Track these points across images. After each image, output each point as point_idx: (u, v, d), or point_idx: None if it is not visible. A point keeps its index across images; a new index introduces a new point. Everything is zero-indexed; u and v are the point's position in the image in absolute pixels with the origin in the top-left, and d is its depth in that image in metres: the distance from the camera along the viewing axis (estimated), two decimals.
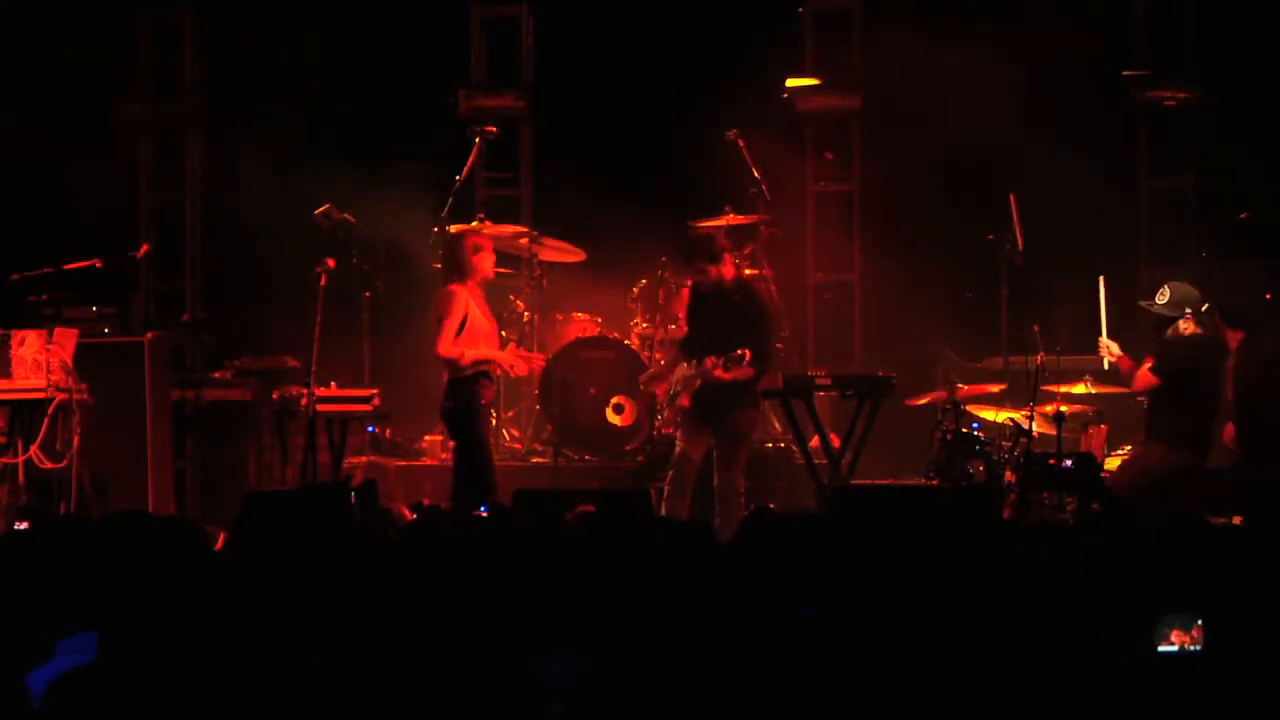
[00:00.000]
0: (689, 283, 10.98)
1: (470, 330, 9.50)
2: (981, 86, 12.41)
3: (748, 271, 11.57)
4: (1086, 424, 10.57)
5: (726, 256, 10.08)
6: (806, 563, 5.05)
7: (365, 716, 4.16)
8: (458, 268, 9.61)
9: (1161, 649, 4.64)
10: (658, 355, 11.49)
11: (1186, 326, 10.05)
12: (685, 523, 8.52)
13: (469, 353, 9.48)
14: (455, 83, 13.33)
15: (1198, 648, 4.63)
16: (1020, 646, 4.66)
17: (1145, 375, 10.07)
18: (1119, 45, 12.98)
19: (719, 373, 9.76)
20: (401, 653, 4.26)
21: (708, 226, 11.69)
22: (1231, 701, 4.57)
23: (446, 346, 9.49)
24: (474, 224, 12.01)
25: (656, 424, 11.19)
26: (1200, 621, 4.65)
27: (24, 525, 6.32)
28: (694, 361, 10.01)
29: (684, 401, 10.04)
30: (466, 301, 9.51)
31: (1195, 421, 9.96)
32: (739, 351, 9.64)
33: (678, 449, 10.08)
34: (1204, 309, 10.10)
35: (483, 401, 9.64)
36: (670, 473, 10.02)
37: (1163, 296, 10.10)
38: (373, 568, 4.85)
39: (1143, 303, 10.22)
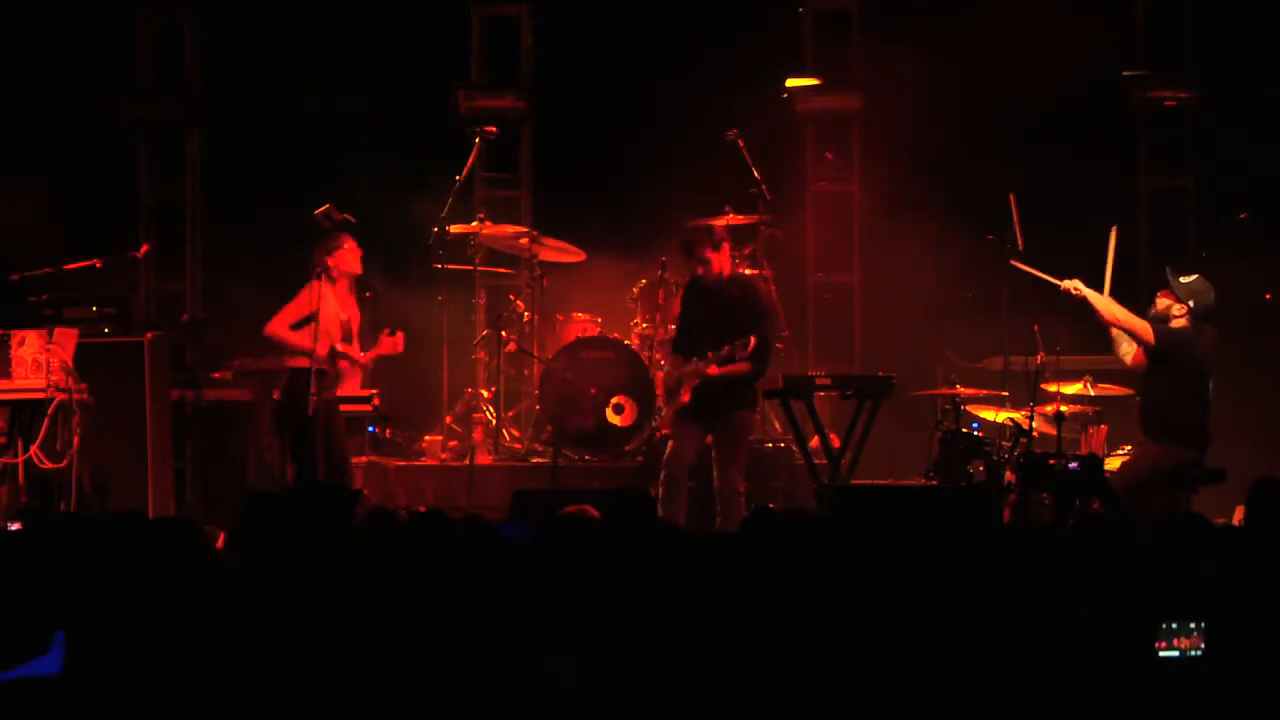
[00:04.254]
0: (685, 283, 10.96)
1: (320, 327, 9.82)
2: (981, 86, 12.42)
3: (748, 271, 11.57)
4: (1086, 424, 10.57)
5: (725, 248, 10.13)
6: (806, 563, 5.05)
7: (365, 716, 4.15)
8: (318, 267, 10.02)
9: (1163, 654, 4.63)
10: (657, 355, 11.49)
11: (1179, 314, 9.92)
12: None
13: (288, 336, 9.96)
14: (455, 83, 13.33)
15: (1199, 652, 4.63)
16: (1020, 646, 4.66)
17: (1142, 321, 9.90)
18: (1119, 45, 12.98)
19: (711, 370, 9.78)
20: (401, 653, 4.26)
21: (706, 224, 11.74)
22: (1233, 702, 4.57)
23: (274, 326, 10.03)
24: (474, 224, 12.04)
25: (654, 423, 11.16)
26: (1202, 625, 4.65)
27: (16, 526, 6.31)
28: (692, 360, 10.02)
29: (685, 397, 10.03)
30: (317, 297, 9.85)
31: (1191, 418, 9.92)
32: (738, 341, 9.65)
33: (669, 449, 10.08)
34: (1204, 314, 9.97)
35: (316, 396, 9.81)
36: (663, 474, 10.02)
37: (1187, 279, 10.00)
38: (373, 568, 4.85)
39: (1170, 269, 10.11)
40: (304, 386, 9.71)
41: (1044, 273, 10.09)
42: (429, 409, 12.42)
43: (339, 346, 9.96)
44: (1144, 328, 9.86)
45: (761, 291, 10.47)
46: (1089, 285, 9.92)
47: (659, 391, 10.84)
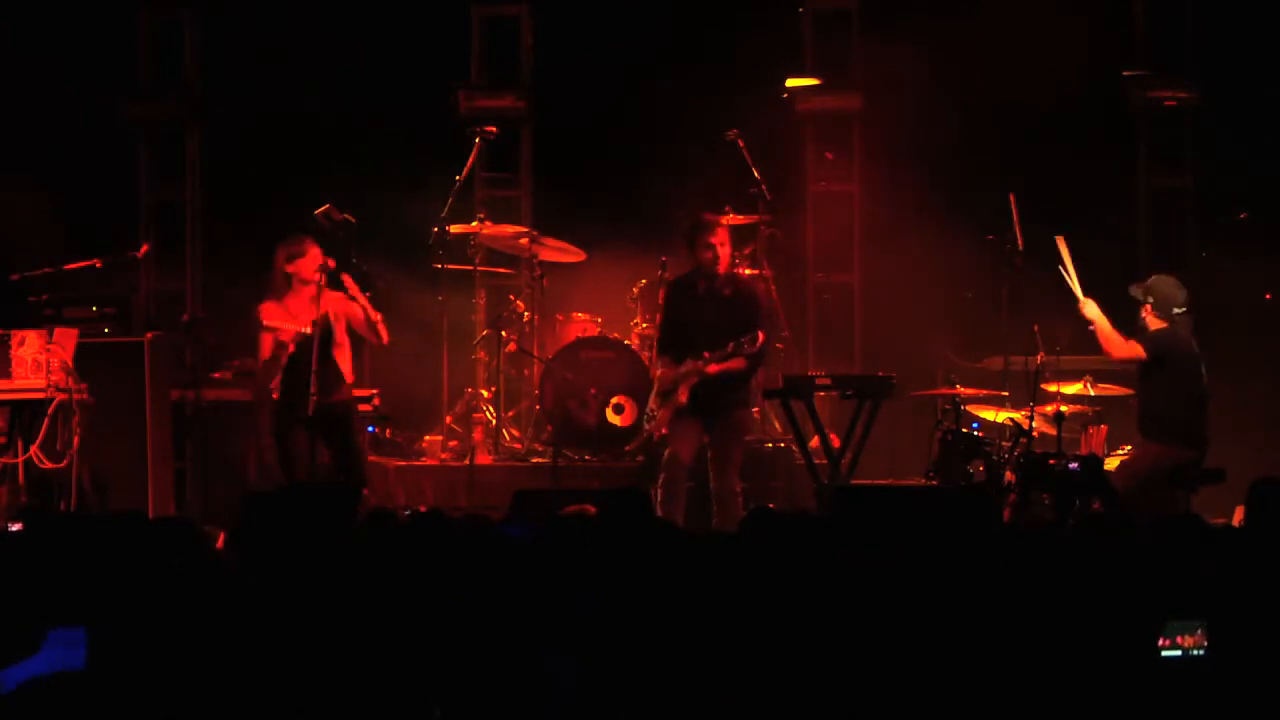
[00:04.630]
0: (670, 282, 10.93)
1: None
2: (981, 86, 12.42)
3: (747, 272, 11.58)
4: (1086, 424, 10.58)
5: (730, 242, 10.16)
6: (806, 563, 5.05)
7: (365, 716, 4.15)
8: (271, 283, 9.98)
9: (1165, 653, 4.64)
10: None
11: (1147, 316, 10.06)
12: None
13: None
14: (455, 83, 13.32)
15: (1201, 651, 4.63)
16: (1020, 646, 4.66)
17: (1132, 344, 10.04)
18: (1119, 45, 12.98)
19: (711, 368, 9.78)
20: (401, 653, 4.26)
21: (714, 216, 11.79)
22: (1233, 702, 4.57)
23: (260, 376, 10.06)
24: (474, 224, 12.03)
25: (648, 426, 11.09)
26: (1204, 624, 4.65)
27: (18, 526, 6.31)
28: (685, 361, 9.99)
29: (682, 397, 10.00)
30: (267, 316, 9.85)
31: (1188, 419, 9.96)
32: (745, 338, 9.66)
33: (667, 452, 10.06)
34: (1179, 311, 10.08)
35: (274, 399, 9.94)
36: (661, 476, 10.00)
37: (1144, 283, 10.15)
38: (374, 568, 4.85)
39: (1131, 286, 10.24)
40: (303, 388, 9.68)
41: (1074, 276, 10.15)
42: (429, 409, 12.42)
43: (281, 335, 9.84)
44: (1136, 350, 10.01)
45: (759, 290, 10.46)
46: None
47: (651, 402, 10.78)
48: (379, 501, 10.63)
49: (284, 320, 9.80)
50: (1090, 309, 10.11)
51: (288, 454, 9.88)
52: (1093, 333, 10.17)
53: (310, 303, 9.82)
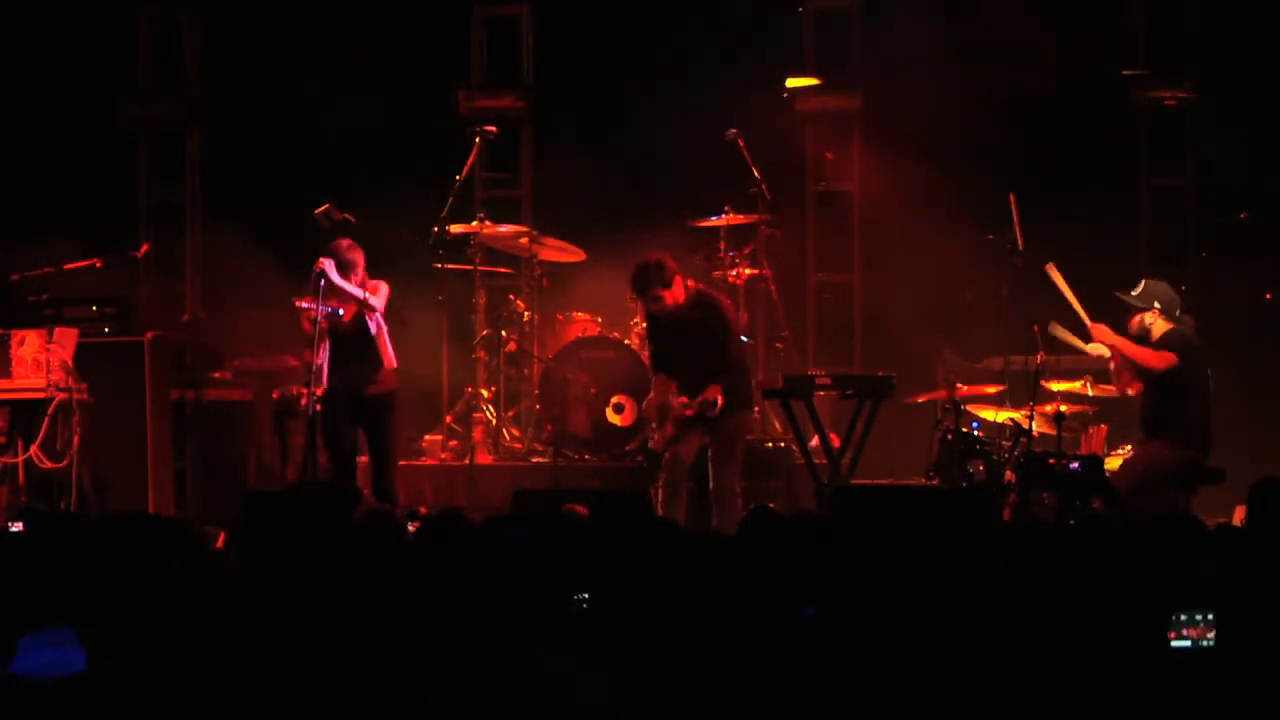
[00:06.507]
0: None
1: None
2: (981, 86, 12.42)
3: (747, 271, 11.59)
4: (1086, 424, 10.57)
5: (677, 280, 10.03)
6: (806, 563, 5.05)
7: (366, 716, 4.15)
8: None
9: (1174, 644, 4.64)
10: None
11: (1153, 321, 10.00)
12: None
13: None
14: (455, 83, 13.33)
15: (1209, 643, 4.63)
16: (1020, 647, 4.66)
17: (1162, 353, 9.95)
18: (1119, 45, 12.98)
19: (689, 412, 9.83)
20: (401, 653, 4.26)
21: (706, 226, 11.77)
22: (1233, 701, 4.57)
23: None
24: (474, 224, 12.04)
25: (651, 442, 11.04)
26: (1209, 617, 4.66)
27: (18, 526, 6.32)
28: (673, 385, 10.03)
29: (669, 430, 10.02)
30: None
31: (1197, 419, 9.95)
32: (710, 396, 9.70)
33: (669, 453, 10.07)
34: (1178, 312, 10.05)
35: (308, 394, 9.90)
36: (663, 476, 10.00)
37: (1137, 289, 10.10)
38: (374, 568, 4.86)
39: (1118, 292, 10.18)
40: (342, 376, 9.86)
41: (1075, 301, 10.09)
42: (429, 409, 12.42)
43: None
44: (1168, 358, 9.87)
45: (722, 306, 10.23)
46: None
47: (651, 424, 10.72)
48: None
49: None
50: (1102, 334, 10.03)
51: (328, 443, 9.93)
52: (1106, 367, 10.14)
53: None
